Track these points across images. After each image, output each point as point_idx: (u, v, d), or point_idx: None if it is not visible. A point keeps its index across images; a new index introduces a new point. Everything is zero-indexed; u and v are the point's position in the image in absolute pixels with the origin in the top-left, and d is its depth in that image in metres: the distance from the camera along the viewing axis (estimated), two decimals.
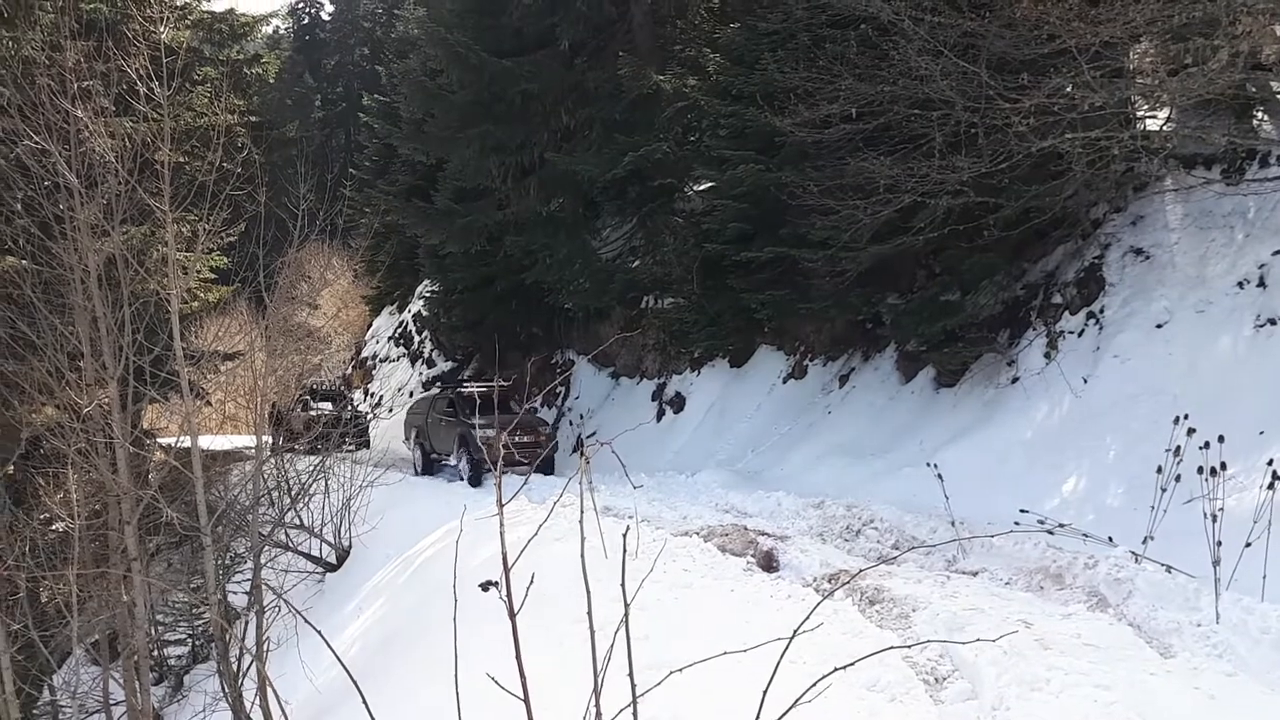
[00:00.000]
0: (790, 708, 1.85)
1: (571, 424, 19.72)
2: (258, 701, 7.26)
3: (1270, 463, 5.94)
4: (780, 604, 6.57)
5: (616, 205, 18.65)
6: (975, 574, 7.68)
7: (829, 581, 7.45)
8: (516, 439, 14.89)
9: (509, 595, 1.88)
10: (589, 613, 1.93)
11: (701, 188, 16.69)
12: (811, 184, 11.53)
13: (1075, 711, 4.33)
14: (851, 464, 11.93)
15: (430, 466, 18.01)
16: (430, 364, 28.90)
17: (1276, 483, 5.82)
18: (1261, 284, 9.18)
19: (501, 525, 1.92)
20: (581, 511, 2.20)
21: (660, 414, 17.59)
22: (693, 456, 15.16)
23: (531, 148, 18.36)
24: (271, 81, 28.10)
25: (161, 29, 9.32)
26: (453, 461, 16.70)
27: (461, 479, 16.43)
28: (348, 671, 2.54)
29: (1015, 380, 11.04)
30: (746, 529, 9.73)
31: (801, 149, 12.11)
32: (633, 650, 4.87)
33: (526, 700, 1.84)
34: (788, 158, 12.65)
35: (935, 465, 9.00)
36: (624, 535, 2.16)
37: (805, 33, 12.18)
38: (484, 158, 18.50)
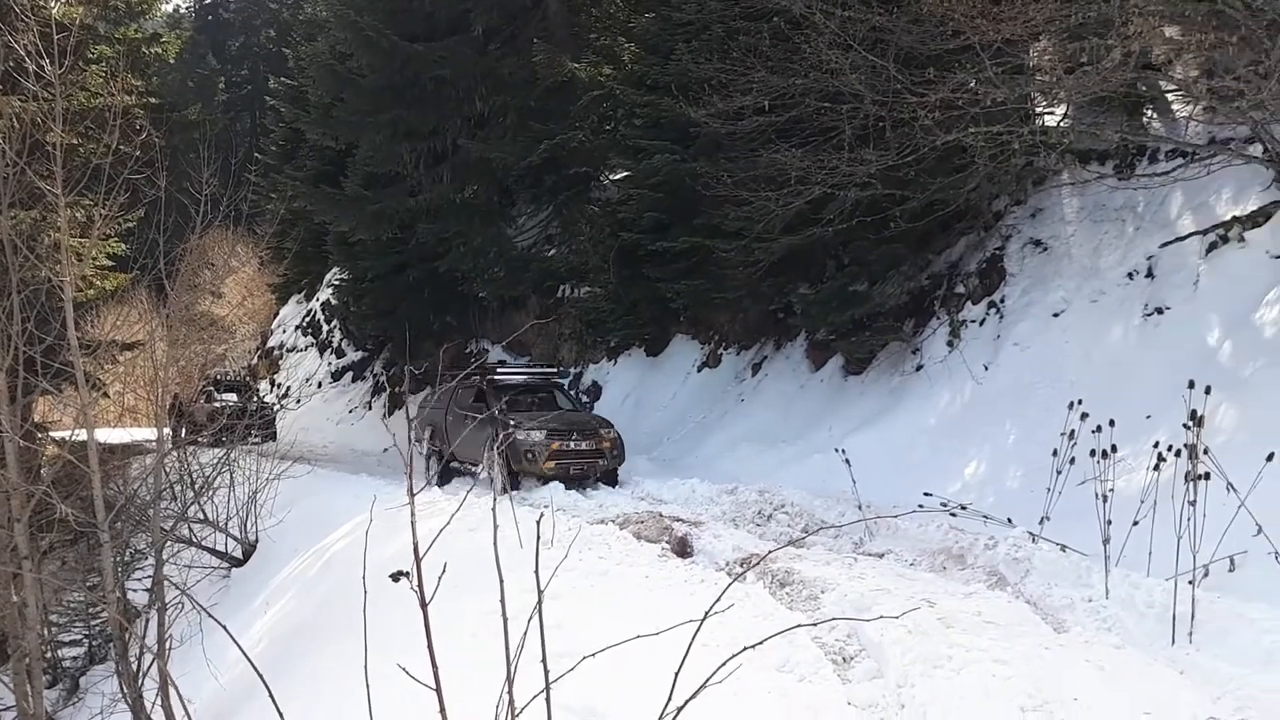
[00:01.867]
0: (699, 689, 1.89)
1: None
2: (159, 701, 7.04)
3: (1156, 445, 6.23)
4: (694, 588, 6.65)
5: (532, 193, 18.55)
6: (881, 556, 7.90)
7: (741, 565, 7.57)
8: (575, 445, 11.80)
9: (420, 585, 1.87)
10: (501, 601, 1.93)
11: (617, 177, 16.73)
12: (725, 175, 11.66)
13: (975, 686, 4.50)
14: (764, 451, 12.14)
15: (450, 477, 14.01)
16: (340, 354, 28.32)
17: (1162, 464, 6.11)
18: (1150, 275, 9.62)
19: (413, 515, 1.91)
20: (494, 500, 2.19)
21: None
22: None
23: (444, 134, 18.12)
24: (172, 62, 27.05)
25: (52, 4, 8.90)
26: (481, 472, 12.65)
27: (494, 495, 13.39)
28: (253, 665, 2.49)
29: (920, 368, 11.36)
30: (662, 516, 9.82)
31: (716, 140, 12.22)
32: (547, 638, 4.87)
33: (438, 690, 1.84)
34: (702, 148, 12.77)
35: (843, 451, 9.21)
36: (537, 523, 2.17)
37: (719, 24, 12.29)
38: (395, 143, 18.19)
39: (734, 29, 11.86)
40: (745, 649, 2.19)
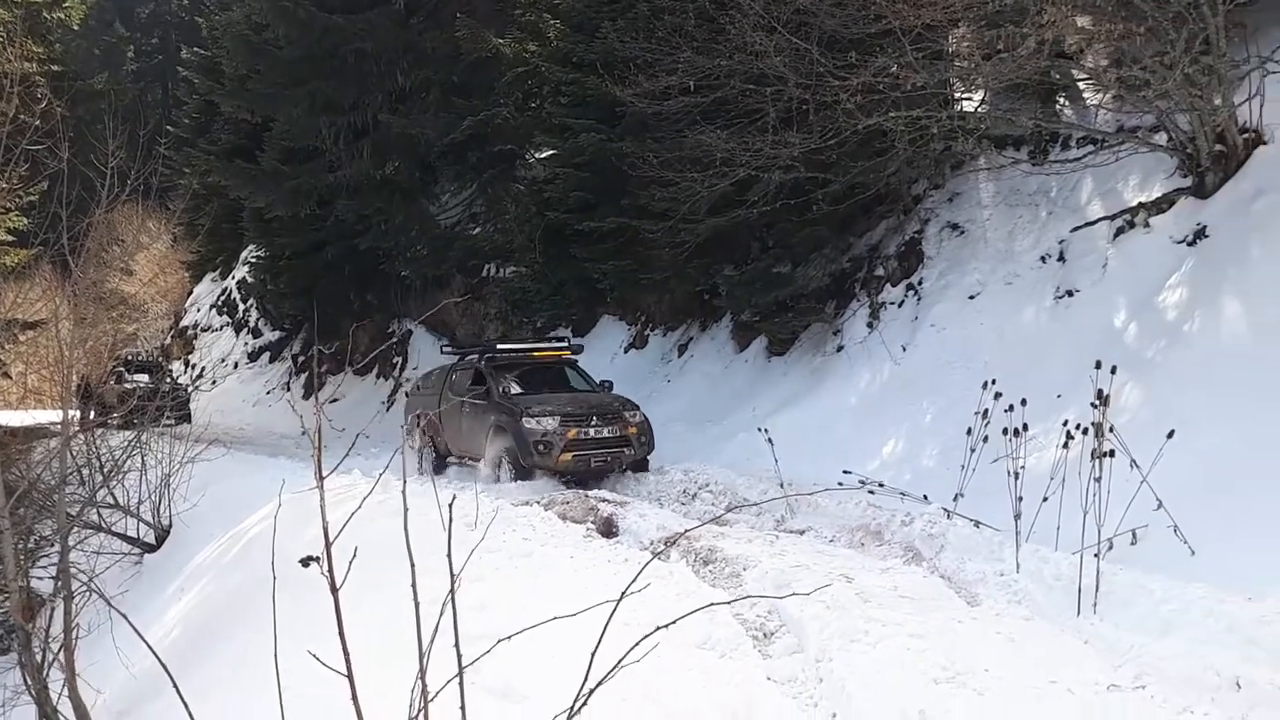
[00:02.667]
0: (613, 669, 1.89)
1: (407, 395, 19.28)
2: (66, 693, 6.81)
3: (1065, 423, 6.44)
4: (618, 568, 6.67)
5: (455, 170, 18.27)
6: (802, 533, 8.03)
7: (666, 544, 7.62)
8: (595, 432, 10.33)
9: (330, 571, 1.83)
10: (413, 585, 1.90)
11: (543, 155, 16.58)
12: (652, 155, 11.65)
13: (891, 659, 4.60)
14: (689, 430, 12.22)
15: (445, 468, 12.51)
16: (257, 333, 27.65)
17: (1070, 442, 6.32)
18: (1061, 258, 9.91)
19: (322, 499, 1.86)
20: (404, 481, 2.16)
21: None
22: None
23: (365, 108, 17.73)
24: (76, 28, 25.98)
25: None
26: (484, 467, 11.06)
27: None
28: (157, 657, 2.42)
29: (841, 349, 11.55)
30: (587, 496, 9.82)
31: (642, 120, 12.19)
32: (471, 621, 4.84)
33: (350, 676, 1.81)
34: (629, 128, 12.72)
35: (766, 430, 9.33)
36: (449, 505, 2.14)
37: (644, 2, 12.25)
38: (314, 117, 17.73)
39: (659, 8, 11.82)
40: (658, 628, 2.21)
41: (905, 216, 12.02)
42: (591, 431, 10.32)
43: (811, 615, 5.15)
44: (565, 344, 12.63)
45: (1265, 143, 8.41)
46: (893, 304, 11.36)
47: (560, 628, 2.92)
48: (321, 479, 1.87)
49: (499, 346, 12.38)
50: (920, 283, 11.22)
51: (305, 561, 1.93)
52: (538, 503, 9.38)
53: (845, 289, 12.27)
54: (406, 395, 14.31)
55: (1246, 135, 8.47)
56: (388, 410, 19.07)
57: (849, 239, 12.53)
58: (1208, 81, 8.14)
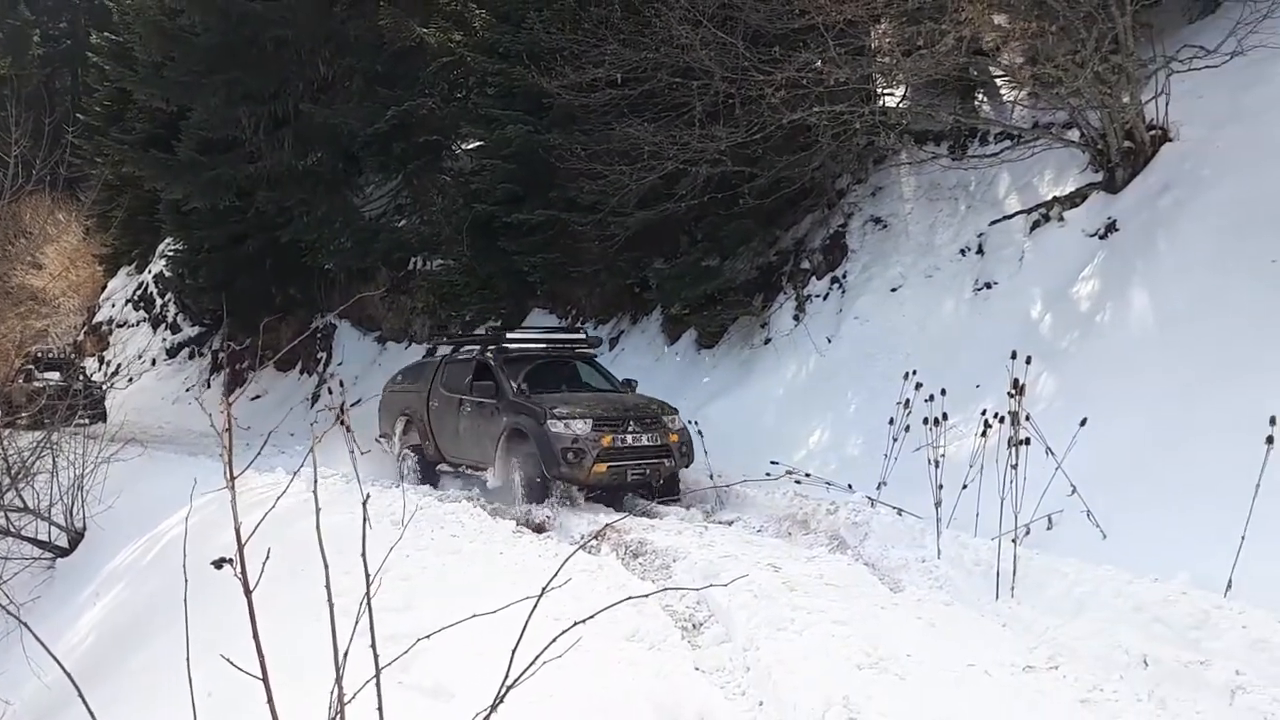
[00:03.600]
0: (531, 665, 1.89)
1: (331, 391, 18.91)
2: None
3: (984, 413, 6.61)
4: (548, 563, 6.65)
5: (380, 161, 17.93)
6: (730, 523, 8.11)
7: (596, 539, 7.63)
8: (634, 440, 8.91)
9: (243, 573, 1.79)
10: (327, 585, 1.87)
11: (470, 146, 16.39)
12: (580, 147, 11.61)
13: (816, 646, 4.68)
14: None
15: (434, 477, 10.93)
16: (175, 329, 26.86)
17: (988, 430, 6.49)
18: (980, 251, 10.16)
19: (234, 500, 1.82)
20: (315, 481, 2.12)
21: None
22: None
23: (286, 98, 17.31)
24: None
25: None
26: (491, 478, 9.61)
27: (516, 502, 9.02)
28: (61, 666, 2.34)
29: (768, 341, 11.68)
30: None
31: (569, 112, 12.14)
32: (397, 620, 4.77)
33: (265, 680, 1.77)
34: (556, 120, 12.65)
35: (696, 422, 9.40)
36: (363, 503, 2.11)
37: None
38: (232, 107, 17.25)
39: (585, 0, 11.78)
40: (576, 623, 2.22)
41: (829, 210, 12.20)
42: (629, 439, 8.86)
43: (739, 605, 5.21)
44: (583, 336, 11.17)
45: (1171, 140, 8.73)
46: (818, 296, 11.53)
47: (491, 624, 2.90)
48: (233, 479, 1.83)
49: (509, 336, 10.83)
50: (844, 275, 11.40)
51: (218, 564, 1.88)
52: (466, 499, 9.31)
53: (772, 282, 12.40)
54: (382, 391, 12.58)
55: (1153, 132, 8.78)
56: (311, 406, 18.71)
57: (775, 232, 12.67)
58: (1117, 80, 8.42)
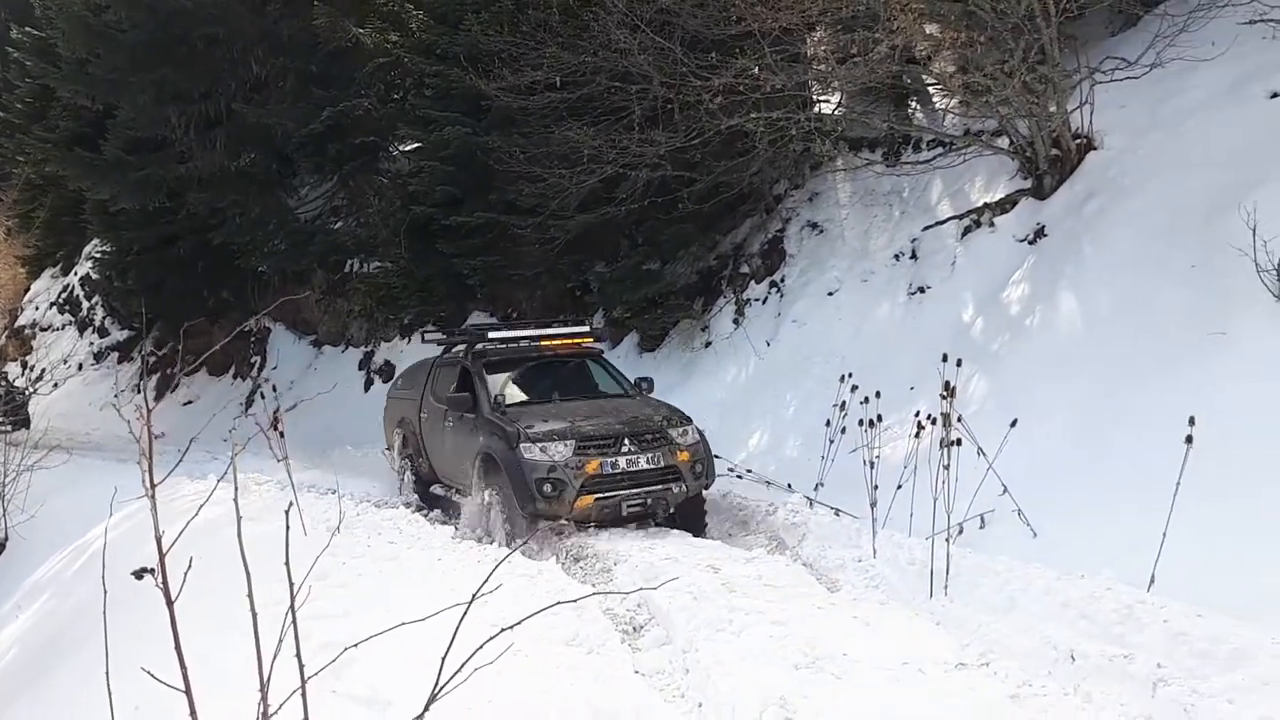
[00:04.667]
0: (459, 670, 1.88)
1: (264, 395, 18.53)
2: None
3: (917, 414, 6.74)
4: (487, 568, 6.61)
5: (315, 162, 17.61)
6: (671, 527, 8.13)
7: (537, 544, 7.59)
8: (628, 462, 7.54)
9: (165, 582, 1.75)
10: (249, 595, 1.84)
11: (408, 148, 16.21)
12: (519, 150, 11.56)
13: (755, 647, 4.72)
14: None
15: (435, 502, 9.67)
16: (103, 333, 26.10)
17: (922, 432, 6.61)
18: (914, 256, 10.34)
19: (154, 508, 1.78)
20: (235, 488, 2.08)
21: (369, 383, 17.04)
22: None
23: (217, 97, 16.90)
24: None
25: None
26: (467, 508, 8.48)
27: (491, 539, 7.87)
28: None
29: (709, 344, 11.77)
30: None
31: (508, 114, 12.07)
32: (334, 628, 4.68)
33: (188, 691, 1.73)
34: (495, 122, 12.57)
35: None
36: (286, 512, 2.07)
37: None
38: (162, 106, 16.80)
39: (524, 2, 11.73)
40: (503, 630, 2.21)
41: (768, 215, 12.32)
42: (622, 461, 7.47)
43: (679, 607, 5.23)
44: (586, 330, 9.55)
45: (1095, 148, 8.99)
46: (757, 300, 11.63)
47: (428, 631, 2.86)
48: (153, 487, 1.79)
49: (490, 335, 9.23)
50: (783, 280, 11.52)
51: (138, 574, 1.83)
52: (405, 506, 9.21)
53: (712, 286, 12.49)
54: (387, 396, 11.34)
55: (1079, 141, 9.04)
56: (246, 412, 18.33)
57: (715, 237, 12.75)
58: (1043, 89, 8.65)
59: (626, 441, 7.57)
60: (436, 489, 9.68)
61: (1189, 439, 5.13)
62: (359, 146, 16.72)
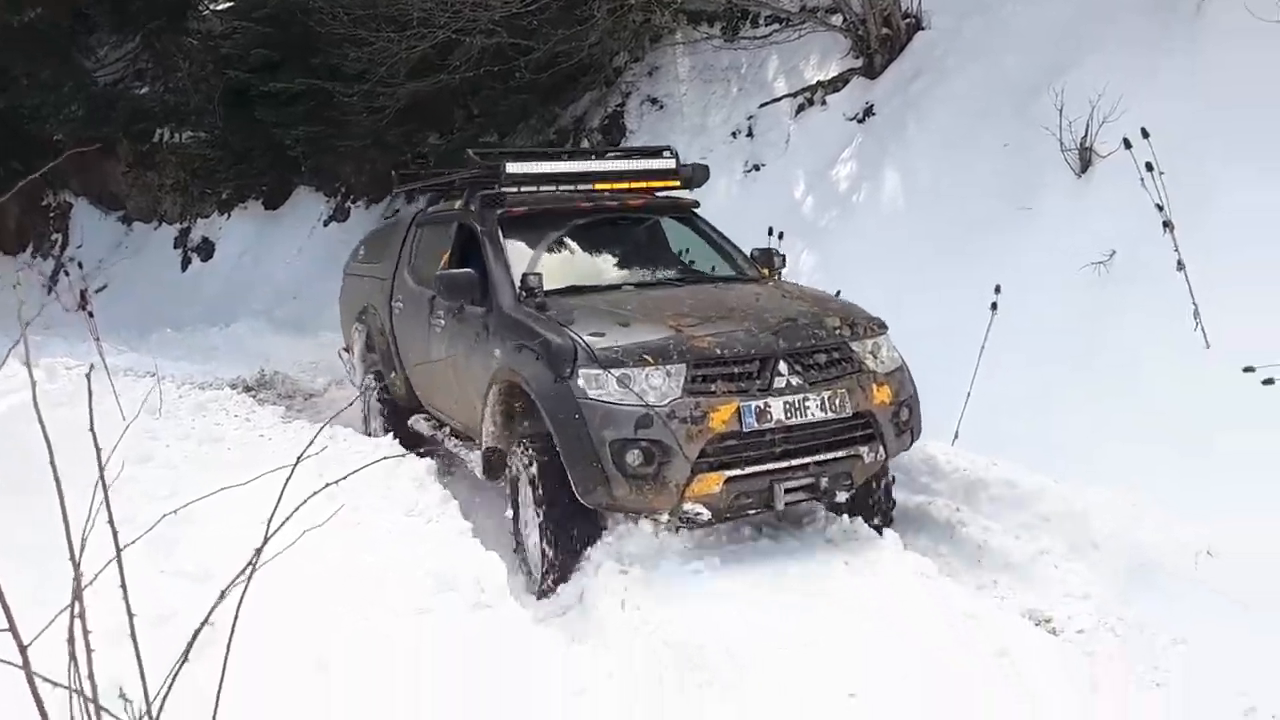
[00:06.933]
0: (281, 526, 1.87)
1: (68, 274, 17.21)
2: None
3: None
4: (322, 441, 6.48)
5: (115, 20, 16.05)
6: None
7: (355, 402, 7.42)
8: (789, 409, 4.15)
9: None
10: (52, 463, 1.76)
11: (220, 7, 14.97)
12: (342, 11, 10.87)
13: None
14: None
15: (407, 433, 6.35)
16: None
17: None
18: (750, 134, 10.46)
19: None
20: (28, 363, 1.96)
21: (186, 263, 16.12)
22: (226, 307, 14.15)
23: None
24: None
25: None
26: (471, 460, 5.28)
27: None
28: None
29: None
30: (289, 377, 9.40)
31: None
32: (162, 507, 4.52)
33: None
34: None
35: None
36: (87, 376, 1.96)
37: None
38: None
39: None
40: (327, 485, 2.23)
41: (608, 89, 12.13)
42: (778, 406, 4.16)
43: None
44: (671, 164, 5.98)
45: (924, 28, 9.24)
46: None
47: (260, 510, 2.81)
48: None
49: (510, 170, 5.43)
50: None
51: None
52: (230, 386, 8.88)
53: None
54: (344, 272, 8.10)
55: (908, 20, 9.26)
56: (49, 292, 17.01)
57: (555, 110, 12.48)
58: None
59: (782, 366, 4.27)
60: (420, 423, 6.40)
61: (994, 306, 5.53)
62: (163, 4, 15.31)
